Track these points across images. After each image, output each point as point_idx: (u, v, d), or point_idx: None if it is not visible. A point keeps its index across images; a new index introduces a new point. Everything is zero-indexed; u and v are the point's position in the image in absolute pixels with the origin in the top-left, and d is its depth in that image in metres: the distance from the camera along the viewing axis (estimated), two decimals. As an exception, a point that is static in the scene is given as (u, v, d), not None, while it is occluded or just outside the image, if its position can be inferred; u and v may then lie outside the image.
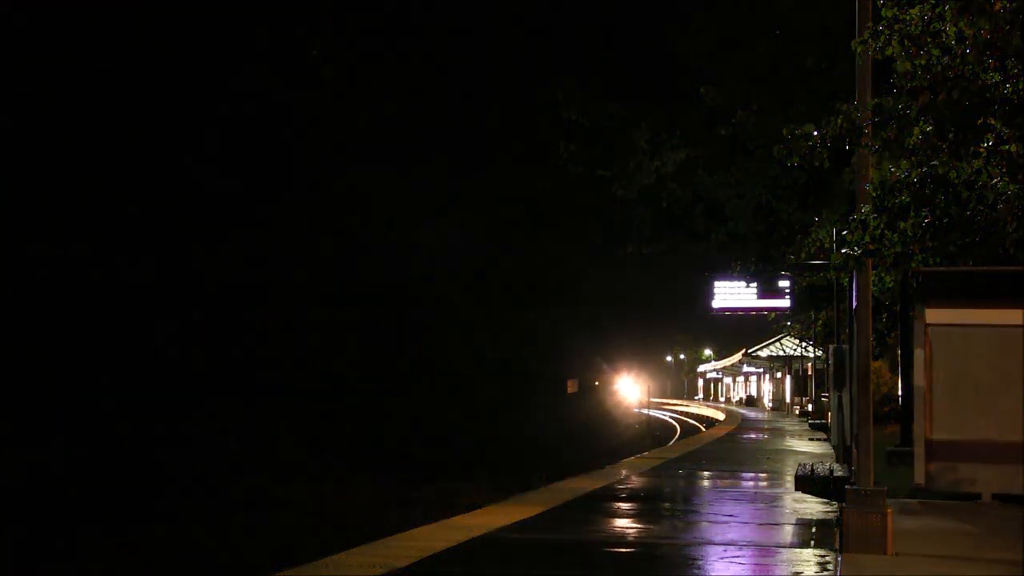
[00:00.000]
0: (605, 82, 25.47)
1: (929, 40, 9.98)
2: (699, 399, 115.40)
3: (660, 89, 24.88)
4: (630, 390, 73.95)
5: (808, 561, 10.97)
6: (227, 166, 38.28)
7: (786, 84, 22.33)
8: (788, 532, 13.24)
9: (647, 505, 16.07)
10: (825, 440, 32.95)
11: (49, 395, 29.39)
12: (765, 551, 11.92)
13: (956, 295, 16.29)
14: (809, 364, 56.15)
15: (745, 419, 57.82)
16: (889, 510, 11.05)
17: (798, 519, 14.30)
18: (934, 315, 16.30)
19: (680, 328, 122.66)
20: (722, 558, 11.16)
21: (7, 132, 30.56)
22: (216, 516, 17.55)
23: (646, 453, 29.74)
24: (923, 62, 10.06)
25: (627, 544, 12.16)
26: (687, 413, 77.67)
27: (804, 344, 58.38)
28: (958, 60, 9.90)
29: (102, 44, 34.08)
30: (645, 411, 61.99)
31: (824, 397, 39.16)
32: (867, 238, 10.48)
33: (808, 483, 14.16)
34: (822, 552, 11.42)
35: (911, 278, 17.39)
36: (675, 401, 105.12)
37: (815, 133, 10.81)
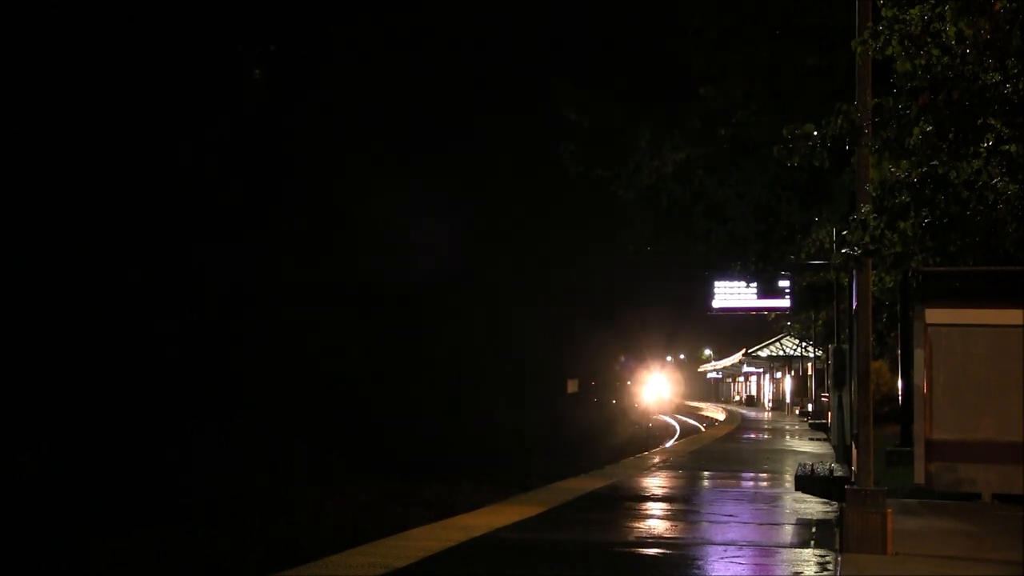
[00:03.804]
0: (605, 82, 25.52)
1: (929, 40, 9.97)
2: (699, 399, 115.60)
3: (660, 89, 24.91)
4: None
5: (808, 561, 10.97)
6: (225, 164, 38.23)
7: (786, 84, 22.37)
8: (788, 532, 13.25)
9: (647, 505, 16.07)
10: (825, 440, 32.98)
11: (49, 394, 29.39)
12: (765, 551, 11.93)
13: (956, 295, 16.30)
14: (809, 364, 56.21)
15: (745, 419, 57.90)
16: (889, 510, 11.06)
17: (798, 519, 14.31)
18: (934, 315, 16.32)
19: (680, 328, 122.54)
20: (722, 558, 11.17)
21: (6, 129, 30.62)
22: (216, 516, 17.53)
23: (646, 453, 29.77)
24: (923, 62, 10.05)
25: (627, 544, 12.15)
26: (689, 413, 77.68)
27: (804, 344, 58.43)
28: (958, 60, 9.90)
29: (99, 41, 34.10)
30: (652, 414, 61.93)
31: (824, 397, 39.18)
32: (867, 238, 10.47)
33: (808, 483, 14.15)
34: (822, 552, 11.42)
35: (911, 278, 17.40)
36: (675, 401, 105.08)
37: (815, 133, 10.79)
